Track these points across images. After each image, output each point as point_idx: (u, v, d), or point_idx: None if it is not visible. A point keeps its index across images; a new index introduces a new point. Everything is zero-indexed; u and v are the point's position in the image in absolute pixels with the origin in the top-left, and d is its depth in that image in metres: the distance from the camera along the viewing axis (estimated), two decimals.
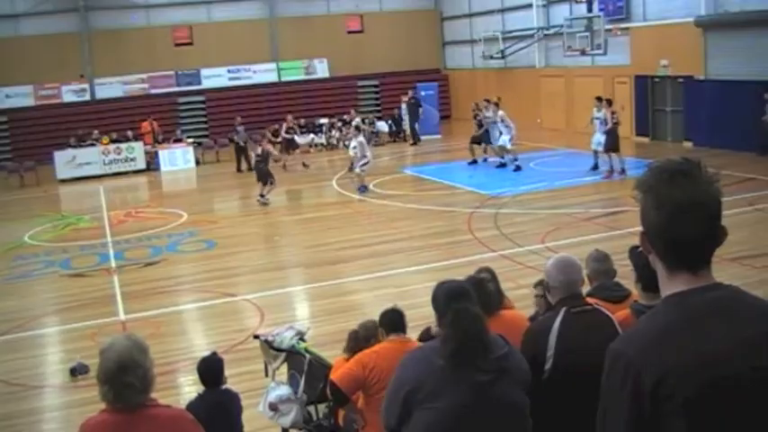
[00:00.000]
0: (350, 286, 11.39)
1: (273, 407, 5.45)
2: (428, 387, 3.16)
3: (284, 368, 5.91)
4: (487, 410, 3.16)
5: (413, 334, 4.92)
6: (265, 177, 18.12)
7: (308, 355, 5.63)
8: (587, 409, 2.34)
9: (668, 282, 1.94)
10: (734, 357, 1.80)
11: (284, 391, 5.54)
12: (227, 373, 5.39)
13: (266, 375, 5.93)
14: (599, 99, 18.43)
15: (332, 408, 5.31)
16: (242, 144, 23.67)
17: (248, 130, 24.38)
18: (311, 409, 5.67)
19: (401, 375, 3.30)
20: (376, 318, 4.96)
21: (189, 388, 7.64)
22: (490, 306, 4.28)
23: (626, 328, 3.33)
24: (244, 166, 23.48)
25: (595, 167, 18.42)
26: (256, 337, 6.21)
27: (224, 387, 5.32)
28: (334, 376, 4.72)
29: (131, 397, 3.06)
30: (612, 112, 17.81)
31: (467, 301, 3.36)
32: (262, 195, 18.06)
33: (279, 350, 5.81)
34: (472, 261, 11.56)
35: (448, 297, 3.52)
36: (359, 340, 5.30)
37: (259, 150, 18.64)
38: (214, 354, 5.57)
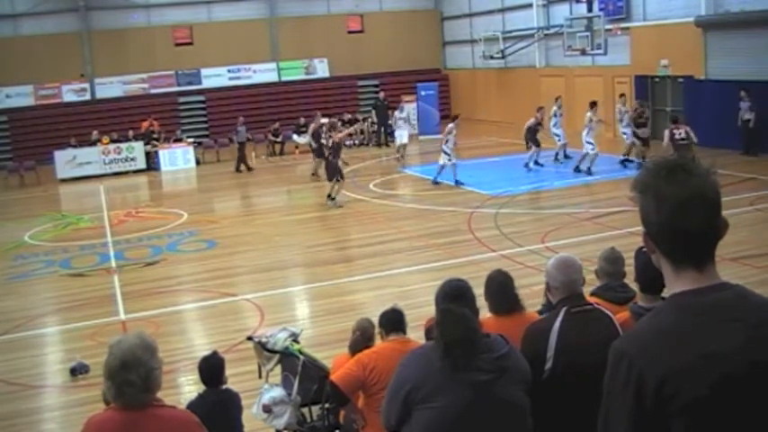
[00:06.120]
0: (350, 286, 11.38)
1: (267, 409, 5.43)
2: (428, 386, 3.16)
3: (278, 370, 5.89)
4: (487, 410, 3.16)
5: (413, 334, 4.92)
6: (333, 173, 16.87)
7: (301, 357, 5.62)
8: (588, 408, 2.34)
9: (675, 280, 1.94)
10: (738, 357, 1.79)
11: (277, 392, 5.52)
12: (227, 372, 5.39)
13: (260, 377, 5.92)
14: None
15: (334, 407, 5.30)
16: (242, 143, 23.42)
17: (249, 130, 24.33)
18: (305, 410, 5.67)
19: (402, 374, 3.30)
20: (376, 318, 4.96)
21: (189, 388, 7.64)
22: (508, 303, 4.28)
23: (626, 329, 3.33)
24: (242, 166, 23.38)
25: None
26: (250, 338, 6.20)
27: (224, 387, 5.32)
28: (333, 376, 4.72)
29: (132, 395, 3.03)
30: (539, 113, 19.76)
31: (457, 302, 3.37)
32: (330, 197, 16.93)
33: (272, 352, 5.79)
34: (472, 261, 11.57)
35: (443, 297, 3.57)
36: (359, 343, 5.31)
37: (330, 143, 17.35)
38: (215, 353, 5.56)
